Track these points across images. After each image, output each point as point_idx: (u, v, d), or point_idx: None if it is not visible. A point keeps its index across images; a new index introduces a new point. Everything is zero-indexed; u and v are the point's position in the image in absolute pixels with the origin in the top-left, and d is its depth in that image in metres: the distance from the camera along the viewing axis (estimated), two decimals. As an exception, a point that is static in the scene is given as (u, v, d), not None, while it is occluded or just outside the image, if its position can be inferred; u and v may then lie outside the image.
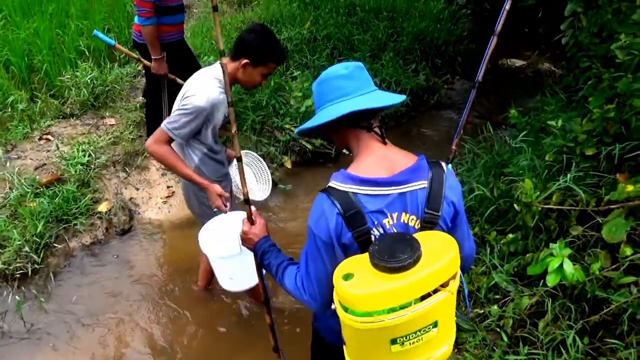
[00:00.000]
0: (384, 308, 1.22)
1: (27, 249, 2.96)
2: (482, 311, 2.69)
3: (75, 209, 3.25)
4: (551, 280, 2.39)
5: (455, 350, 2.65)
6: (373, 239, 1.32)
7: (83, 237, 3.24)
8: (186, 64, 3.45)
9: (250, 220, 1.67)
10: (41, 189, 3.28)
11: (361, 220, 1.30)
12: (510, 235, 2.81)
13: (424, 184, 1.36)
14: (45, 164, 3.51)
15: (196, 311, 2.93)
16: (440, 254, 1.26)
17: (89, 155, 3.59)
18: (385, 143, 1.42)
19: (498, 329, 2.57)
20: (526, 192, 2.60)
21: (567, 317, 2.44)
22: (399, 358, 1.34)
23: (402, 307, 1.23)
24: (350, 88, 1.38)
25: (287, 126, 4.17)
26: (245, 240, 1.66)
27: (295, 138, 4.20)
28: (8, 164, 3.44)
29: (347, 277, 1.24)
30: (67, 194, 3.26)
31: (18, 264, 2.92)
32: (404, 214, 1.35)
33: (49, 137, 3.74)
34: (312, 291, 1.41)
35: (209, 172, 2.34)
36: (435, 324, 1.33)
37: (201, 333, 2.81)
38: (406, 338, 1.31)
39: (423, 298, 1.25)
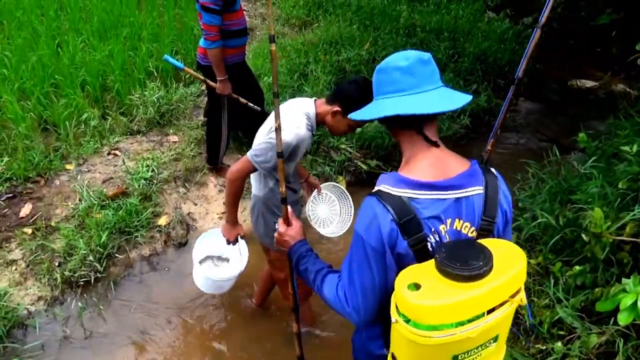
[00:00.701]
0: (454, 321, 1.12)
1: (91, 258, 3.10)
2: (544, 347, 2.51)
3: (137, 221, 3.39)
4: (623, 319, 2.20)
5: (515, 388, 2.49)
6: (430, 247, 1.24)
7: (143, 248, 3.36)
8: (247, 84, 3.57)
9: (287, 221, 1.60)
10: (107, 202, 3.44)
11: (417, 227, 1.22)
12: (578, 267, 2.63)
13: (479, 189, 1.30)
14: (112, 178, 3.69)
15: (246, 327, 2.95)
16: (511, 262, 1.18)
17: (152, 170, 3.74)
18: (438, 146, 1.32)
19: (562, 368, 2.39)
20: (596, 222, 2.42)
21: (641, 361, 2.23)
22: None
23: (470, 320, 1.14)
24: (406, 84, 1.27)
25: (342, 146, 4.17)
26: (280, 242, 1.60)
27: (351, 158, 4.18)
28: (79, 177, 3.65)
29: (414, 286, 1.14)
30: (130, 207, 3.40)
31: (82, 272, 3.06)
32: (457, 220, 1.28)
33: (117, 152, 3.94)
34: (356, 303, 1.31)
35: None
36: (495, 339, 1.24)
37: (252, 348, 2.81)
38: (467, 354, 1.21)
39: (495, 309, 1.17)
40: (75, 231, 3.23)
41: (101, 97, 4.44)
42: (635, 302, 2.12)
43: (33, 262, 3.08)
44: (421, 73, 1.27)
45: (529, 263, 2.89)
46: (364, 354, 1.51)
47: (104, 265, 3.14)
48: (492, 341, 1.24)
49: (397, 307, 1.17)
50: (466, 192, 1.28)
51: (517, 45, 6.10)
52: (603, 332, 2.36)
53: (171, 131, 4.26)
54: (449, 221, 1.27)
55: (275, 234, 1.61)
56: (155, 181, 3.70)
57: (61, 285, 3.01)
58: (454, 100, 1.29)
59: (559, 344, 2.44)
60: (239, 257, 2.69)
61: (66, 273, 3.03)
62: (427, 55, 1.30)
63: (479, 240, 1.22)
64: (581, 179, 3.31)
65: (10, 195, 3.44)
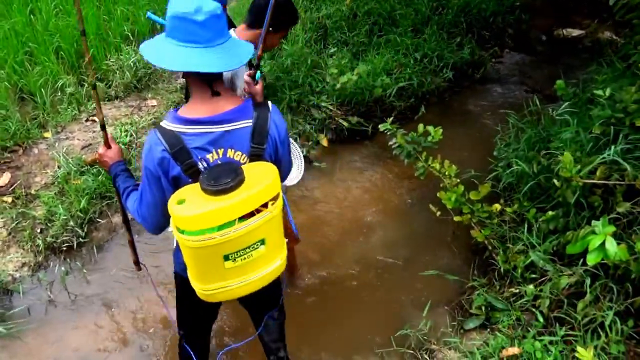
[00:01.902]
0: (211, 226, 1.40)
1: (72, 223, 3.12)
2: (517, 291, 2.58)
3: (117, 186, 3.39)
4: (592, 259, 2.24)
5: (488, 330, 2.57)
6: (202, 170, 1.49)
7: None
8: None
9: (107, 144, 1.81)
10: (86, 168, 3.44)
11: (186, 155, 1.48)
12: (550, 213, 2.65)
13: (249, 122, 1.55)
14: (91, 144, 3.68)
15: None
16: (260, 179, 1.45)
17: (131, 135, 3.73)
18: (219, 95, 1.53)
19: (533, 309, 2.45)
20: (565, 166, 2.43)
21: (608, 299, 2.29)
22: (234, 273, 1.54)
23: (229, 225, 1.41)
24: (200, 37, 1.42)
25: (323, 104, 4.13)
26: (101, 162, 1.84)
27: (332, 116, 4.15)
28: (57, 144, 3.64)
29: (180, 202, 1.42)
30: (110, 172, 3.40)
31: (65, 238, 3.10)
32: (230, 150, 1.54)
33: (95, 118, 3.91)
34: (145, 215, 1.61)
35: None
36: (262, 242, 1.53)
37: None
38: (237, 254, 1.50)
39: (247, 217, 1.44)
40: (55, 198, 3.25)
41: (77, 63, 4.37)
42: (604, 243, 2.15)
43: (15, 229, 3.11)
44: (215, 28, 1.43)
45: (505, 212, 2.93)
46: (177, 262, 1.82)
47: (85, 230, 3.17)
48: (259, 244, 1.53)
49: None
50: (235, 125, 1.54)
51: (502, -6, 5.96)
52: (573, 273, 2.41)
53: (149, 95, 4.21)
54: (220, 151, 1.53)
55: (96, 155, 1.85)
56: (134, 146, 3.69)
57: (44, 251, 3.05)
58: (241, 55, 1.50)
59: (531, 286, 2.50)
60: None
61: (48, 239, 3.06)
62: (219, 10, 1.44)
63: (243, 165, 1.50)
64: (560, 127, 3.30)
65: (-12, 165, 3.44)
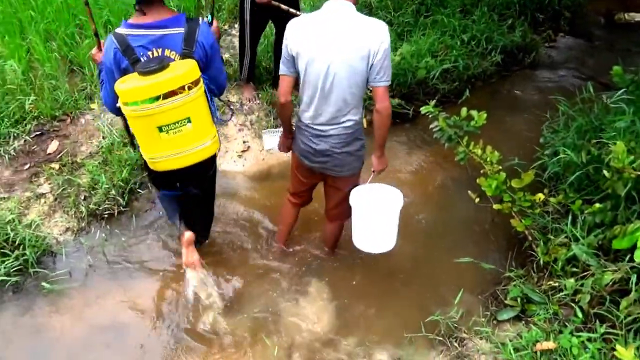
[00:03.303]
0: (142, 99, 1.91)
1: (114, 192, 3.22)
2: (556, 284, 2.48)
3: (158, 158, 3.46)
4: (639, 255, 2.12)
5: (523, 322, 2.49)
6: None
7: (164, 185, 3.45)
8: None
9: (99, 47, 2.25)
10: (128, 139, 3.52)
11: (132, 52, 2.01)
12: (598, 205, 2.52)
13: (180, 30, 2.07)
14: (134, 117, 3.76)
15: (267, 263, 3.03)
16: (179, 68, 1.96)
17: (173, 109, 3.78)
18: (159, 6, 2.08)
19: (573, 304, 2.35)
20: (617, 157, 2.29)
21: (655, 298, 2.16)
22: (170, 145, 2.06)
23: (156, 100, 1.92)
24: None
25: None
26: (93, 59, 2.33)
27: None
28: (102, 115, 3.74)
29: (122, 82, 1.98)
30: (151, 145, 3.47)
31: (106, 205, 3.20)
32: (167, 50, 2.06)
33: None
34: (105, 98, 2.21)
35: None
36: (189, 120, 2.03)
37: (273, 281, 2.91)
38: (169, 127, 2.01)
39: (171, 95, 1.93)
40: (99, 167, 3.35)
41: (124, 37, 4.45)
42: (654, 239, 2.03)
43: (60, 195, 3.23)
44: None
45: (548, 202, 2.81)
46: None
47: (126, 199, 3.26)
48: (186, 121, 2.03)
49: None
50: (170, 30, 2.05)
51: (560, -25, 5.64)
52: (618, 269, 2.29)
53: (192, 70, 4.25)
54: (159, 50, 2.05)
55: (91, 52, 2.37)
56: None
57: (87, 218, 3.16)
58: None
59: (572, 280, 2.39)
60: None
61: (91, 206, 3.17)
62: None
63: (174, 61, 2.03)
64: (614, 116, 3.11)
65: (38, 132, 3.58)
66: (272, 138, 2.77)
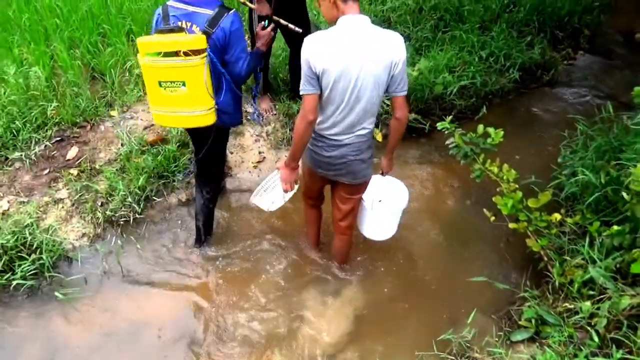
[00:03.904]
0: (147, 51, 2.29)
1: (130, 199, 3.26)
2: (572, 306, 2.44)
3: (175, 167, 3.51)
4: (659, 281, 2.08)
5: (537, 344, 2.45)
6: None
7: (180, 193, 3.49)
8: (290, 4, 3.36)
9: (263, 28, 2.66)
10: (147, 147, 3.57)
11: (167, 19, 2.39)
12: (616, 227, 2.48)
13: (209, 12, 2.36)
14: (152, 125, 3.81)
15: (279, 267, 3.04)
16: (185, 37, 2.28)
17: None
18: None
19: (588, 328, 2.31)
20: (637, 179, 2.26)
21: (674, 325, 2.11)
22: (166, 101, 2.41)
23: (157, 54, 2.26)
24: None
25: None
26: (261, 37, 2.64)
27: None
28: (122, 123, 3.80)
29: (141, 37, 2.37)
30: (168, 153, 3.52)
31: (122, 212, 3.24)
32: (194, 25, 2.37)
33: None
34: None
35: None
36: (183, 84, 2.33)
37: (288, 287, 2.91)
38: (166, 84, 2.35)
39: (172, 55, 2.25)
40: (116, 174, 3.40)
41: (145, 46, 4.53)
42: (674, 265, 2.00)
43: (78, 201, 3.28)
44: None
45: (565, 222, 2.77)
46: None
47: (142, 207, 3.29)
48: (181, 85, 2.33)
49: None
50: (200, 10, 2.37)
51: (580, -7, 5.62)
52: (637, 294, 2.24)
53: (211, 81, 4.30)
54: (188, 23, 2.37)
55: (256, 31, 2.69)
56: (193, 129, 3.79)
57: (103, 224, 3.21)
58: None
59: (588, 303, 2.35)
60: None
61: (108, 212, 3.22)
62: None
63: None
64: (635, 137, 3.07)
65: (58, 138, 3.65)
66: (266, 196, 2.70)
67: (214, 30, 2.33)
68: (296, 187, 2.56)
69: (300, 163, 2.51)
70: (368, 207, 2.73)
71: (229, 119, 2.66)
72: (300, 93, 2.21)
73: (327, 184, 2.67)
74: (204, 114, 2.42)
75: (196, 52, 2.24)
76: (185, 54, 2.22)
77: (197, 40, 2.26)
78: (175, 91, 2.34)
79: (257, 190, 2.69)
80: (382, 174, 2.74)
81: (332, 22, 2.18)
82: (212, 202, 3.04)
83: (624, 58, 5.42)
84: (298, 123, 2.23)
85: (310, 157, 2.49)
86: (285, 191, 2.53)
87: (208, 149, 2.69)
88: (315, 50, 2.11)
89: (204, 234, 3.14)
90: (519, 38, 4.92)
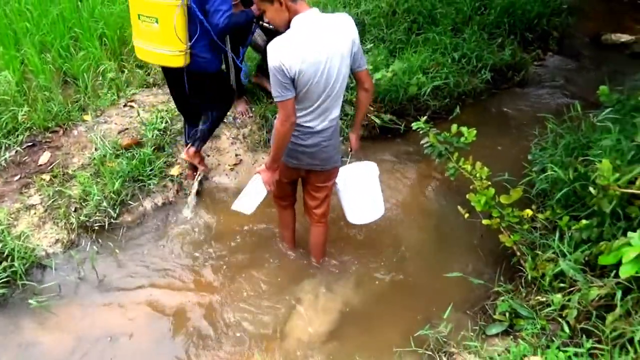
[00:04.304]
0: None
1: (105, 204, 3.22)
2: (544, 299, 2.50)
3: (150, 170, 3.48)
4: (625, 272, 2.16)
5: (511, 337, 2.50)
6: None
7: (155, 197, 3.46)
8: None
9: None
10: (121, 151, 3.54)
11: None
12: (584, 222, 2.56)
13: None
14: (127, 129, 3.77)
15: (253, 266, 3.04)
16: None
17: (166, 121, 3.81)
18: None
19: (560, 319, 2.37)
20: (603, 174, 2.33)
21: (640, 314, 2.19)
22: (142, 35, 2.73)
23: None
24: None
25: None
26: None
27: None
28: (96, 127, 3.75)
29: None
30: (143, 157, 3.49)
31: (97, 217, 3.19)
32: None
33: (133, 104, 4.01)
34: None
35: None
36: (157, 21, 2.59)
37: (264, 284, 2.92)
38: (143, 17, 2.64)
39: None
40: (90, 179, 3.35)
41: (119, 49, 4.49)
42: (639, 256, 2.07)
43: (51, 207, 3.23)
44: None
45: (536, 218, 2.84)
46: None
47: (117, 211, 3.25)
48: (154, 21, 2.60)
49: None
50: None
51: (549, -4, 5.78)
52: (604, 285, 2.31)
53: (186, 84, 4.28)
54: None
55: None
56: (168, 132, 3.77)
57: (77, 229, 3.16)
58: None
59: (559, 295, 2.42)
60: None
61: (82, 218, 3.17)
62: None
63: None
64: (601, 134, 3.17)
65: (30, 143, 3.58)
66: (246, 201, 2.65)
67: None
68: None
69: None
70: (342, 188, 2.72)
71: (205, 63, 2.87)
72: (277, 100, 2.18)
73: (299, 176, 2.68)
74: (173, 54, 2.68)
75: None
76: None
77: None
78: (150, 27, 2.62)
79: (239, 198, 2.66)
80: (350, 151, 2.82)
81: (283, 24, 2.18)
82: (216, 123, 3.31)
83: (592, 59, 5.59)
84: (279, 127, 2.23)
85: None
86: (269, 192, 2.56)
87: (201, 92, 3.01)
88: (286, 55, 2.08)
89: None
90: (490, 40, 5.03)
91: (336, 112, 2.39)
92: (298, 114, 2.28)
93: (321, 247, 3.01)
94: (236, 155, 3.83)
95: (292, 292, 2.93)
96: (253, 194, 2.62)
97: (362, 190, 2.76)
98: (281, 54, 2.08)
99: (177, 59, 2.72)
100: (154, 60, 2.87)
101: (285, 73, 2.10)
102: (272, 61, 2.10)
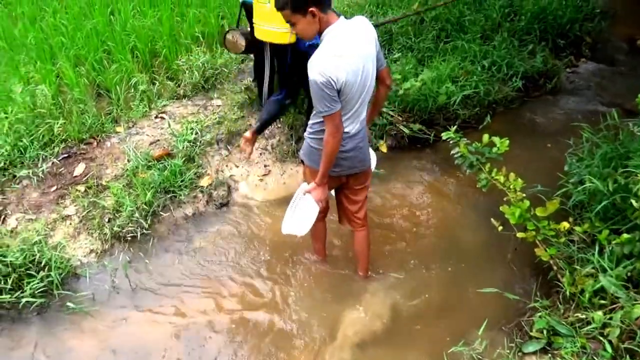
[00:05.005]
0: None
1: (137, 215, 3.26)
2: (583, 316, 2.41)
3: (181, 181, 3.52)
4: (671, 289, 2.07)
5: (549, 355, 2.42)
6: None
7: (186, 208, 3.50)
8: None
9: None
10: (153, 162, 3.59)
11: None
12: (625, 236, 2.46)
13: None
14: (158, 140, 3.83)
15: (283, 279, 3.03)
16: None
17: (196, 133, 3.85)
18: None
19: (601, 338, 2.29)
20: (645, 186, 2.25)
21: (689, 334, 2.09)
22: (260, 15, 3.12)
23: None
24: None
25: (384, 110, 4.09)
26: None
27: (393, 122, 4.09)
28: (128, 139, 3.82)
29: None
30: (174, 168, 3.53)
31: (130, 228, 3.24)
32: None
33: (164, 115, 4.08)
34: None
35: None
36: (268, 2, 2.96)
37: (294, 296, 2.90)
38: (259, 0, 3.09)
39: None
40: (123, 190, 3.41)
41: (150, 62, 4.57)
42: (686, 273, 1.98)
43: (85, 217, 3.29)
44: None
45: (573, 231, 2.75)
46: None
47: (149, 222, 3.30)
48: (267, 2, 2.97)
49: None
50: None
51: (581, 1, 5.65)
52: (649, 303, 2.22)
53: (215, 95, 4.34)
54: None
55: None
56: (198, 143, 3.81)
57: (110, 240, 3.21)
58: None
59: (600, 313, 2.33)
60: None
61: (115, 228, 3.22)
62: None
63: None
64: (640, 144, 3.07)
65: (65, 155, 3.67)
66: (298, 222, 2.59)
67: None
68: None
69: (303, 176, 2.55)
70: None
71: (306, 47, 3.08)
72: (326, 114, 2.18)
73: (340, 184, 2.67)
74: (280, 31, 3.03)
75: None
76: None
77: None
78: (263, 7, 3.04)
79: (286, 220, 2.63)
80: None
81: (312, 36, 2.20)
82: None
83: (627, 65, 5.43)
84: (330, 140, 2.25)
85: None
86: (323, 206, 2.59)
87: (292, 68, 3.32)
88: (333, 68, 2.09)
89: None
90: (520, 47, 4.95)
91: (364, 113, 2.44)
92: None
93: (367, 251, 2.97)
94: (265, 166, 3.84)
95: (324, 306, 2.91)
96: (305, 214, 2.57)
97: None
98: (326, 68, 2.09)
99: (284, 35, 3.05)
100: (266, 37, 3.18)
101: (334, 86, 2.12)
102: (319, 77, 2.09)
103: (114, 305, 2.94)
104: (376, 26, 2.90)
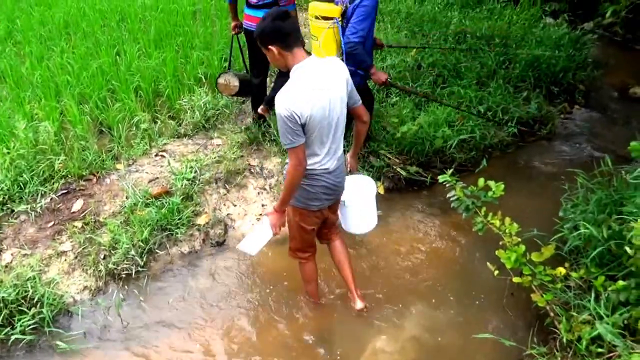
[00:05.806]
0: (310, 14, 3.38)
1: (133, 252, 3.26)
2: (581, 365, 2.37)
3: (178, 219, 3.53)
4: (668, 338, 2.05)
5: (547, 405, 2.37)
6: None
7: (182, 245, 3.49)
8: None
9: None
10: (151, 200, 3.61)
11: None
12: (621, 282, 2.46)
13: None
14: (157, 178, 3.87)
15: (278, 321, 2.99)
16: (326, 5, 3.31)
17: (195, 171, 3.89)
18: None
19: (599, 388, 2.24)
20: (639, 234, 2.27)
21: (687, 385, 2.06)
22: (314, 49, 3.50)
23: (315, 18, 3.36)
24: None
25: (382, 152, 4.15)
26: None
27: (390, 164, 4.14)
28: (128, 176, 3.86)
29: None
30: (172, 206, 3.55)
31: (125, 265, 3.23)
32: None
33: (164, 154, 4.13)
34: None
35: None
36: (317, 39, 3.38)
37: (286, 341, 2.85)
38: (312, 37, 3.48)
39: (317, 18, 3.35)
40: (120, 227, 3.41)
41: (153, 101, 4.68)
42: (682, 321, 1.97)
43: (81, 254, 3.29)
44: None
45: (570, 277, 2.75)
46: None
47: (144, 259, 3.29)
48: (316, 39, 3.36)
49: None
50: None
51: (573, 50, 5.83)
52: (646, 352, 2.20)
53: (215, 135, 4.41)
54: None
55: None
56: (197, 182, 3.85)
57: (105, 277, 3.20)
58: None
59: (597, 361, 2.30)
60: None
61: (110, 265, 3.21)
62: None
63: None
64: (635, 190, 3.10)
65: (64, 191, 3.70)
66: (253, 242, 2.71)
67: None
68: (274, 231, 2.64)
69: (287, 218, 2.65)
70: (348, 204, 2.88)
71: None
72: (288, 147, 2.29)
73: (323, 217, 2.74)
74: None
75: (327, 18, 3.22)
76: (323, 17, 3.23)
77: (333, 10, 3.22)
78: (315, 41, 3.37)
79: (245, 239, 2.77)
80: (350, 172, 2.93)
81: (284, 67, 2.33)
82: None
83: (619, 112, 5.54)
84: (292, 173, 2.34)
85: (303, 197, 2.55)
86: (274, 234, 2.63)
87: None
88: (297, 103, 2.19)
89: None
90: (515, 93, 5.06)
91: (341, 150, 2.56)
92: (315, 159, 2.42)
93: (350, 261, 2.99)
94: (262, 205, 3.86)
95: (314, 345, 2.86)
96: (259, 236, 2.69)
97: (364, 204, 2.95)
98: (291, 102, 2.20)
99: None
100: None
101: (297, 120, 2.22)
102: (283, 110, 2.20)
103: (106, 344, 2.89)
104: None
